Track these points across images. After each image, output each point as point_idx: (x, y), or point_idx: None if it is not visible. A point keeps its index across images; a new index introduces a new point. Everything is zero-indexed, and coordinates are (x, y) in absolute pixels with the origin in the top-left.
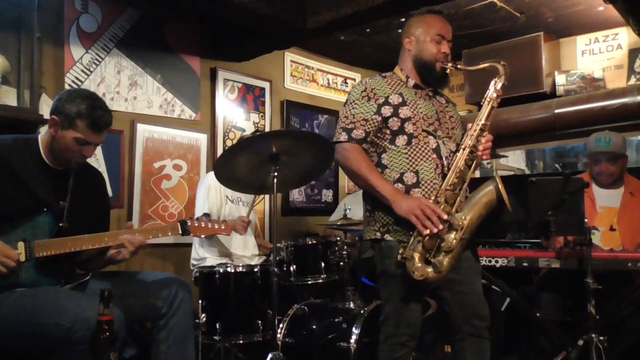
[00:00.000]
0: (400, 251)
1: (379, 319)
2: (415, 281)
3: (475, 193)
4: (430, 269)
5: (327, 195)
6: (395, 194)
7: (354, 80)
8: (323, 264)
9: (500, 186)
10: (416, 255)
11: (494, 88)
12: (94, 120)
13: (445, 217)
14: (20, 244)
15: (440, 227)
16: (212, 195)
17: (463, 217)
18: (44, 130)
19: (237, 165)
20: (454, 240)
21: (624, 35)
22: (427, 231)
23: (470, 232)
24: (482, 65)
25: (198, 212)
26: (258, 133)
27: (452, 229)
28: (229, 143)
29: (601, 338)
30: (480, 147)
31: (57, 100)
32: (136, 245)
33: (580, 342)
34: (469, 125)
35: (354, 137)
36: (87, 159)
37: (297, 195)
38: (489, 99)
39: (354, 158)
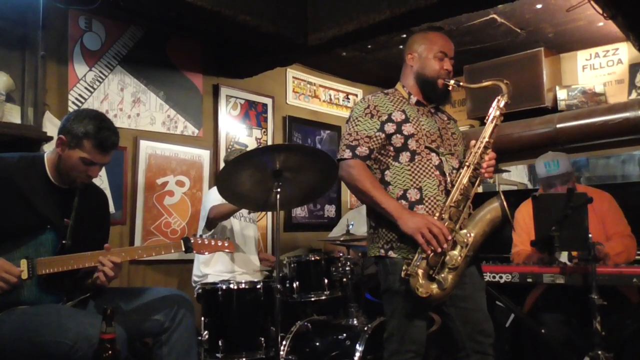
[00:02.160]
0: (404, 267)
1: (383, 336)
2: (419, 298)
3: (479, 210)
4: (434, 286)
5: (330, 210)
6: (400, 210)
7: (356, 96)
8: (326, 281)
9: (504, 204)
10: (420, 272)
11: (497, 106)
12: (101, 141)
13: (450, 237)
14: (23, 262)
15: (445, 246)
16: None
17: (467, 234)
18: (47, 148)
19: (240, 180)
20: (459, 257)
21: (624, 50)
22: (431, 251)
23: (474, 249)
24: (484, 84)
25: (203, 227)
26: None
27: (456, 246)
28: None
29: (607, 355)
30: (484, 165)
31: (65, 120)
32: (110, 267)
33: (587, 359)
34: (472, 142)
35: (358, 154)
36: (92, 179)
37: (299, 210)
38: (492, 117)
39: (359, 175)
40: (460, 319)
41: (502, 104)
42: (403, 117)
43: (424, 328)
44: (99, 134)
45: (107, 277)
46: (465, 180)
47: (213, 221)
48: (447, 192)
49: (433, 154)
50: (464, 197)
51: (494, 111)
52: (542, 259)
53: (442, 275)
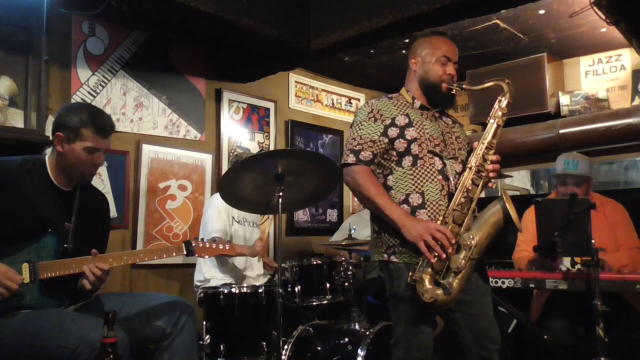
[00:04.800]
0: (410, 273)
1: (390, 342)
2: (425, 304)
3: (483, 212)
4: (440, 291)
5: (332, 215)
6: (404, 218)
7: (358, 100)
8: (328, 285)
9: (508, 205)
10: (426, 277)
11: (499, 106)
12: (99, 126)
13: (453, 240)
14: (25, 266)
15: (450, 250)
16: (221, 217)
17: (471, 237)
18: (50, 152)
19: (243, 184)
20: (463, 261)
21: (627, 56)
22: (435, 258)
23: (479, 252)
24: (486, 84)
25: (208, 232)
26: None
27: (460, 250)
28: None
29: None
30: (490, 167)
31: (57, 117)
32: (97, 275)
33: None
34: (475, 143)
35: (362, 159)
36: (98, 168)
37: (301, 215)
38: (494, 117)
39: (363, 181)
40: (466, 324)
41: (504, 104)
42: (406, 120)
43: (430, 334)
44: (96, 120)
45: (92, 284)
46: (468, 183)
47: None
48: (450, 197)
49: (436, 158)
50: (467, 200)
51: (495, 111)
52: (544, 264)
53: (448, 279)
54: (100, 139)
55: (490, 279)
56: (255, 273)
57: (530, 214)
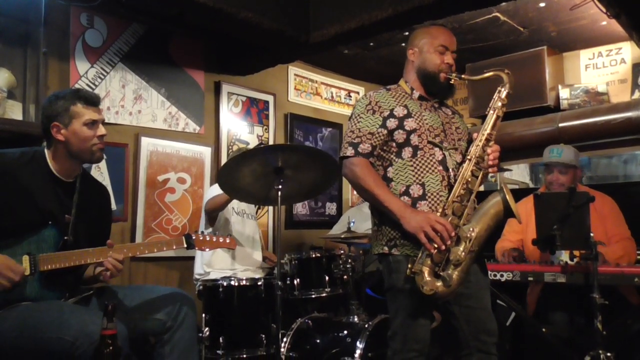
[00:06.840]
0: (409, 265)
1: (387, 334)
2: (424, 296)
3: (483, 204)
4: (439, 283)
5: (331, 208)
6: (403, 209)
7: (358, 93)
8: (327, 278)
9: (508, 197)
10: (425, 270)
11: (499, 97)
12: (86, 98)
13: (453, 233)
14: (25, 258)
15: (449, 242)
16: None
17: (471, 229)
18: (46, 146)
19: (242, 175)
20: (462, 253)
21: (628, 50)
22: (435, 249)
23: (478, 245)
24: (486, 75)
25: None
26: (262, 145)
27: (460, 242)
28: None
29: (608, 354)
30: (491, 157)
31: (44, 111)
32: (112, 264)
33: (587, 359)
34: (475, 135)
35: (361, 152)
36: (104, 140)
37: (300, 208)
38: (493, 108)
39: (362, 173)
40: (464, 317)
41: (503, 95)
42: (405, 112)
43: (427, 327)
44: (80, 94)
45: (110, 273)
46: (467, 174)
47: (211, 214)
48: (450, 188)
49: (436, 149)
50: (467, 192)
51: (495, 102)
52: (520, 257)
53: (447, 272)
54: (92, 109)
55: (490, 272)
56: (255, 265)
57: (521, 206)
